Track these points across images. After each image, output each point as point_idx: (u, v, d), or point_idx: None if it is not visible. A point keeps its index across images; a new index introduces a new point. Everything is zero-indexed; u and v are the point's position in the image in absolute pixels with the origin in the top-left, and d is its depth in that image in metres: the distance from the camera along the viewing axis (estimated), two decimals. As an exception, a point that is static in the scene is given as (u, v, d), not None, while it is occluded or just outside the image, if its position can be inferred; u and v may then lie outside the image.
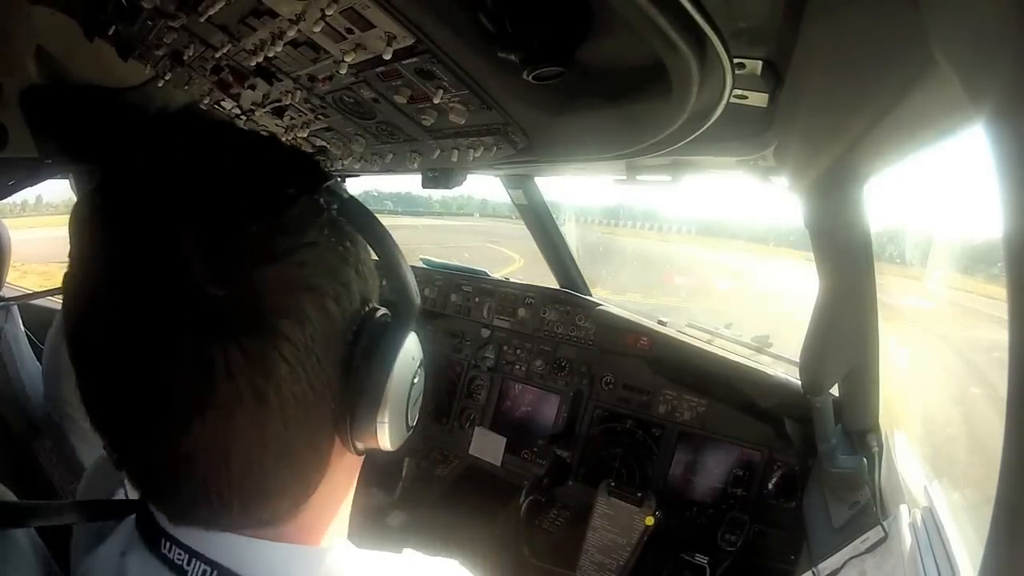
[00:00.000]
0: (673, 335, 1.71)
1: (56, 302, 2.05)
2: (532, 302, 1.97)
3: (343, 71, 0.77)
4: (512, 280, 2.12)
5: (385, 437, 0.42)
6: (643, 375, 1.73)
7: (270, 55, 0.80)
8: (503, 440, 1.93)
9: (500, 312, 2.03)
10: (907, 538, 0.76)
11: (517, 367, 1.97)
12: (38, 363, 1.59)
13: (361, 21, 0.65)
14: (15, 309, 1.61)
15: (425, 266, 2.29)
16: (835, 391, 1.15)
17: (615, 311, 1.83)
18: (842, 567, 0.83)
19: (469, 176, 1.31)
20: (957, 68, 0.36)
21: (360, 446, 0.42)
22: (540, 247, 1.95)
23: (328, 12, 0.63)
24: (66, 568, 0.51)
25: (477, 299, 2.09)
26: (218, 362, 0.32)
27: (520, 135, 0.92)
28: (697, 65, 0.53)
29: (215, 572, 0.38)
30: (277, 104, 1.04)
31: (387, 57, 0.69)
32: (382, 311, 0.42)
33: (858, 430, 1.13)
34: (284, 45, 0.76)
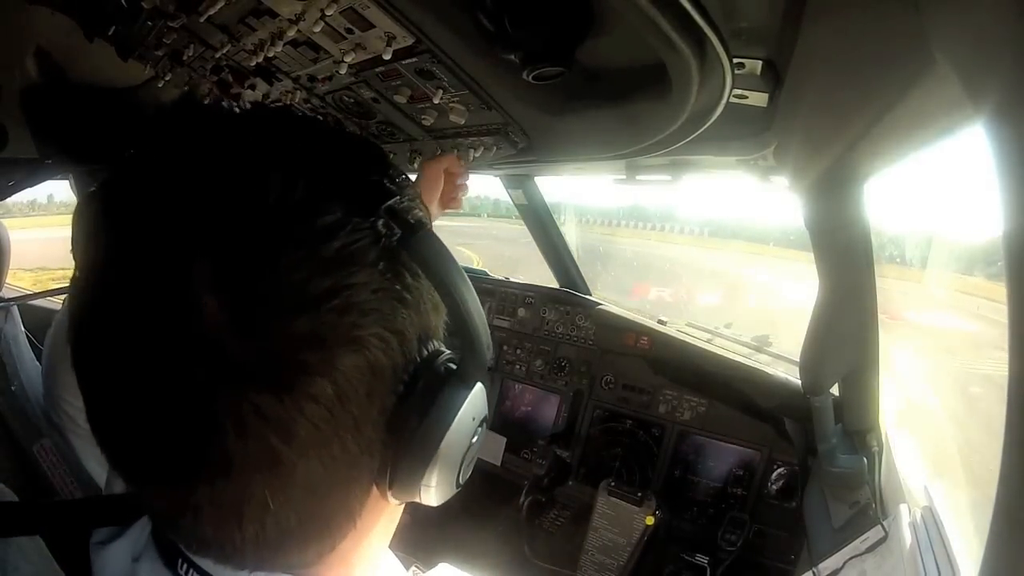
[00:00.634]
0: (673, 335, 1.71)
1: (56, 302, 2.05)
2: (532, 302, 1.97)
3: (343, 71, 0.77)
4: (512, 280, 2.12)
5: (431, 497, 0.36)
6: (643, 375, 1.73)
7: (270, 55, 0.80)
8: (503, 440, 1.93)
9: (500, 312, 2.03)
10: (907, 538, 0.76)
11: (517, 367, 1.97)
12: (38, 363, 1.59)
13: (361, 21, 0.65)
14: (15, 309, 1.61)
15: None
16: (835, 391, 1.15)
17: (615, 311, 1.83)
18: (842, 567, 0.83)
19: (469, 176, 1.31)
20: (957, 68, 0.36)
21: (397, 502, 0.37)
22: (540, 247, 1.94)
23: (328, 12, 0.63)
24: (64, 558, 0.49)
25: (477, 299, 2.08)
26: (226, 419, 0.27)
27: (520, 135, 0.92)
28: (697, 65, 0.53)
29: None
30: (277, 104, 1.04)
31: (387, 57, 0.69)
32: (445, 355, 0.36)
33: (858, 430, 1.13)
34: (284, 45, 0.76)
